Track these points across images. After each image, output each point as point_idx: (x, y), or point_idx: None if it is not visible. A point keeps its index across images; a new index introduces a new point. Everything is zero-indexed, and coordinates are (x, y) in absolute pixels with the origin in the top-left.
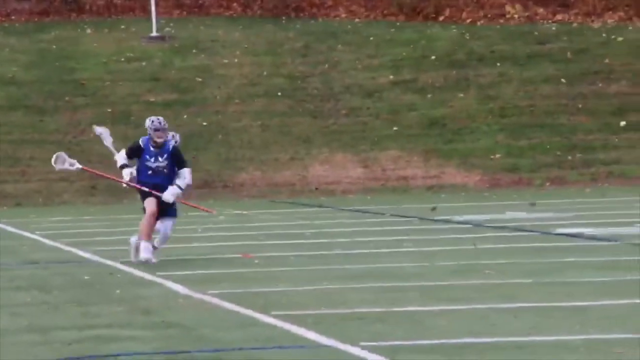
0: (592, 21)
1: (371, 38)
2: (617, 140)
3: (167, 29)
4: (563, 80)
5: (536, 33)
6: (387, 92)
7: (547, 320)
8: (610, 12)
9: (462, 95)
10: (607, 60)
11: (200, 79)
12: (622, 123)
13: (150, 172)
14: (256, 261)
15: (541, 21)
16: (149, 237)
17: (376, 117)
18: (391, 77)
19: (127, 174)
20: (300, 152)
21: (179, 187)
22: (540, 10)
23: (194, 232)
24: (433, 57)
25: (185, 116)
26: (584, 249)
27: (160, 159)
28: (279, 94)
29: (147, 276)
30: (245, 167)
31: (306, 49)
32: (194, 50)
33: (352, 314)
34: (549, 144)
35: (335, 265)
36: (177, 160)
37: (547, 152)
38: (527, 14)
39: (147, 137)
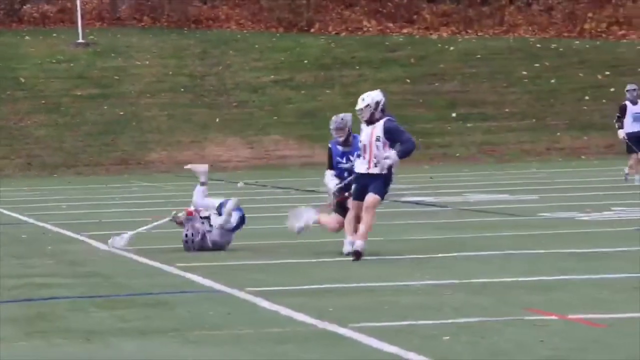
0: (431, 34)
1: (256, 45)
2: (449, 128)
3: (91, 36)
4: (408, 80)
5: (387, 43)
6: (269, 88)
7: (393, 269)
8: (445, 27)
9: (328, 91)
10: (442, 65)
11: (117, 77)
12: (453, 114)
13: (346, 174)
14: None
15: (391, 33)
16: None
17: (260, 109)
18: (272, 76)
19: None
20: (199, 136)
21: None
22: (390, 24)
23: (112, 200)
24: (306, 61)
25: (105, 107)
26: (424, 213)
27: (351, 158)
28: (182, 89)
29: (73, 235)
30: (154, 148)
31: (204, 53)
32: (112, 54)
33: (239, 266)
34: None
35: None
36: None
37: None
38: (380, 27)
39: (334, 140)
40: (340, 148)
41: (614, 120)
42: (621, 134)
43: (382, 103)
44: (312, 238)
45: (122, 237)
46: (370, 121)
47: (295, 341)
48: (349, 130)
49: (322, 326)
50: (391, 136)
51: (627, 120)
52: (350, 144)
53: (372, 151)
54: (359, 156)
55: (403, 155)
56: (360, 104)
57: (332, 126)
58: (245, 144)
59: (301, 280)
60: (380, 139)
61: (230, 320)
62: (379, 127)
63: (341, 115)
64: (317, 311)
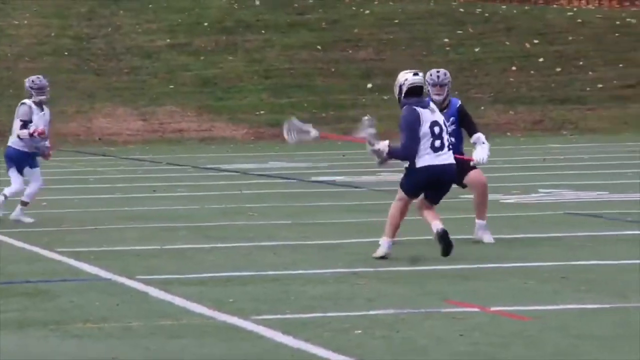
0: None
1: (150, 5)
2: (364, 100)
3: None
4: (319, 46)
5: (296, 5)
6: (164, 53)
7: (302, 256)
8: None
9: (231, 58)
10: (356, 30)
11: None
12: (369, 85)
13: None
14: (44, 204)
15: None
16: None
17: (154, 76)
18: (168, 40)
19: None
20: (85, 105)
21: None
22: None
23: None
24: (205, 24)
25: None
26: (335, 194)
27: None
28: (66, 53)
29: None
30: None
31: (91, 13)
32: None
33: (129, 251)
34: (306, 102)
35: (116, 208)
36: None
37: (305, 109)
38: None
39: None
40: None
41: None
42: None
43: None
44: (209, 221)
45: None
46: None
47: (191, 335)
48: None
49: (222, 318)
50: None
51: None
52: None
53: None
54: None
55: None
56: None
57: (430, 79)
58: (137, 115)
59: (198, 267)
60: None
61: (119, 312)
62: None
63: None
64: (216, 302)
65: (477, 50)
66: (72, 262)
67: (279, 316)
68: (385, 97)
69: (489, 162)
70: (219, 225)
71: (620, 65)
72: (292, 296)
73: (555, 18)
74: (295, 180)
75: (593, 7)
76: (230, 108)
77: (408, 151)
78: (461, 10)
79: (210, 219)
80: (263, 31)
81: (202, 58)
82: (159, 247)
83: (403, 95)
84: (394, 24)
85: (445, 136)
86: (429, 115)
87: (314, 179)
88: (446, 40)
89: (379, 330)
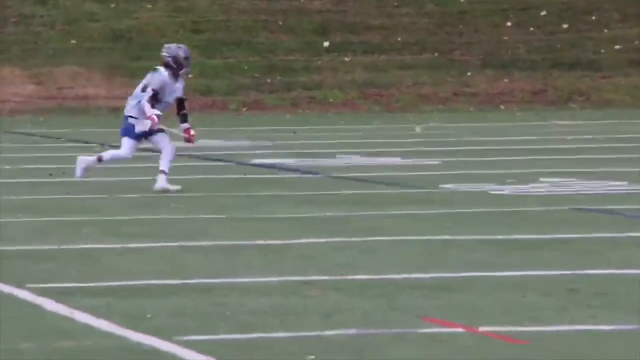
0: None
1: None
2: (319, 62)
3: None
4: None
5: None
6: None
7: (240, 259)
8: None
9: (149, 6)
10: None
11: None
12: (326, 44)
13: None
14: None
15: None
16: None
17: (51, 27)
18: None
19: None
20: None
21: None
22: None
23: None
24: None
25: None
26: (282, 181)
27: None
28: None
29: None
30: None
31: None
32: None
33: (17, 252)
34: (246, 64)
35: None
36: None
37: (244, 73)
38: None
39: None
40: None
41: None
42: None
43: None
44: (122, 214)
45: None
46: None
47: None
48: None
49: (136, 339)
50: None
51: None
52: None
53: None
54: None
55: None
56: None
57: None
58: (29, 78)
59: (106, 273)
60: None
61: (4, 330)
62: None
63: None
64: (129, 318)
65: (462, 0)
66: None
67: (210, 337)
68: (347, 59)
69: (479, 143)
70: (134, 220)
71: None
72: (228, 311)
73: None
74: (232, 164)
75: None
76: (150, 70)
77: None
78: None
79: (123, 212)
80: None
81: (112, 6)
82: (56, 247)
83: None
84: None
85: None
86: None
87: (255, 161)
88: None
89: (337, 356)
